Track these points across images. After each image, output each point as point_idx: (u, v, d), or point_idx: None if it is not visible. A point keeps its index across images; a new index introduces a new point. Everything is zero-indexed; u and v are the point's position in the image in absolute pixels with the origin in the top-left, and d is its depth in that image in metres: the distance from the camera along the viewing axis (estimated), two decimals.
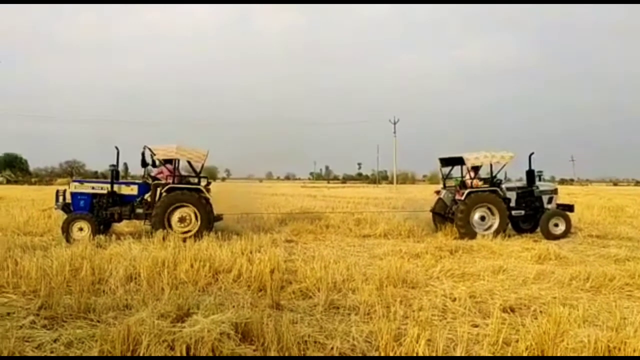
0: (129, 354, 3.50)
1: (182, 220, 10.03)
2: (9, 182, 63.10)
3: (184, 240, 9.12)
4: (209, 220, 10.08)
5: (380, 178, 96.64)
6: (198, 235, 9.67)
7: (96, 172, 60.03)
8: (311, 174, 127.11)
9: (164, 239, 9.01)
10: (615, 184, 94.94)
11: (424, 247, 8.87)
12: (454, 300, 5.33)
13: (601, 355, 3.58)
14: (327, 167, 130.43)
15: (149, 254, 7.28)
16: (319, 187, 57.19)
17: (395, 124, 67.32)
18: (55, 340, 4.00)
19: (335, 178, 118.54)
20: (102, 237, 9.34)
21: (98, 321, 4.50)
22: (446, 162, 12.44)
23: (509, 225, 11.56)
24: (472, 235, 10.60)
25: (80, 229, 9.76)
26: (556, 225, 11.18)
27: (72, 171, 70.87)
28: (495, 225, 10.93)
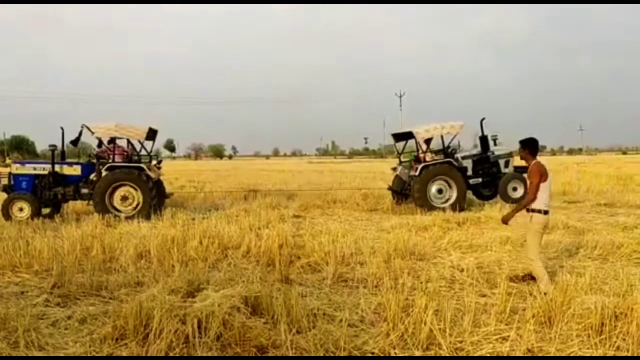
0: (141, 329, 3.56)
1: (124, 198, 10.00)
2: None
3: (130, 217, 9.43)
4: (151, 197, 9.96)
5: (387, 152, 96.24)
6: (145, 213, 9.70)
7: None
8: (317, 149, 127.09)
9: (172, 216, 9.09)
10: (624, 153, 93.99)
11: (431, 219, 8.87)
12: (462, 271, 5.36)
13: (607, 321, 3.60)
14: (333, 143, 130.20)
15: (158, 232, 7.38)
16: (326, 162, 57.15)
17: (401, 97, 66.70)
18: (69, 317, 4.10)
19: (342, 153, 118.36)
20: (49, 217, 9.61)
21: (110, 298, 4.59)
22: (398, 137, 12.17)
23: (471, 193, 11.47)
24: (433, 210, 10.32)
25: (21, 209, 9.77)
26: (515, 189, 10.96)
27: (80, 152, 71.08)
28: (454, 197, 10.71)
